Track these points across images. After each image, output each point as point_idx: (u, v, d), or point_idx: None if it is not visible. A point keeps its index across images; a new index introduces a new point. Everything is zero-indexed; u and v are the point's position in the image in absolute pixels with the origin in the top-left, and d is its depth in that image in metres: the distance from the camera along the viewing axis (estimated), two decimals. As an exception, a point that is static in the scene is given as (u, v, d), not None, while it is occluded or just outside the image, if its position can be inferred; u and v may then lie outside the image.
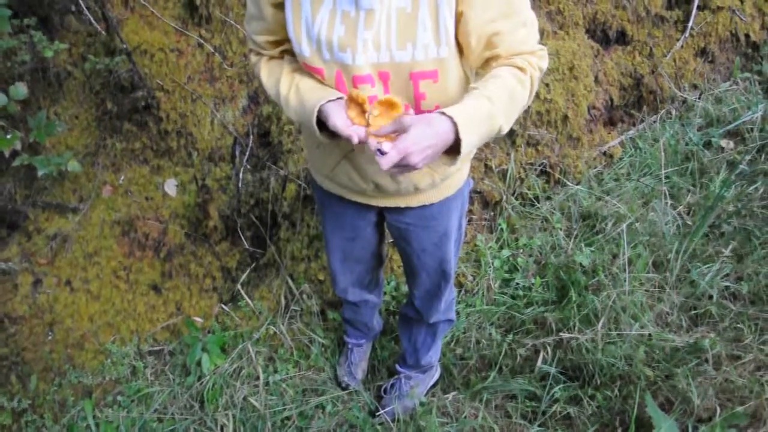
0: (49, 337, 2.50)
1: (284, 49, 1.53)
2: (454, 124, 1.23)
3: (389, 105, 1.30)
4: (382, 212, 1.82)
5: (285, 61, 1.53)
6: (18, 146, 2.38)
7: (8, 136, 2.35)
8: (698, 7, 3.62)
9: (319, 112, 1.36)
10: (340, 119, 1.31)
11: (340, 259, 2.03)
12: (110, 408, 2.46)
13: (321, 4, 1.33)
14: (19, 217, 2.59)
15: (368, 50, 1.33)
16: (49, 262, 2.60)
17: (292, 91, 1.45)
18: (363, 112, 1.32)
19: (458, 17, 1.33)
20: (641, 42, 3.58)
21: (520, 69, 1.36)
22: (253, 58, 1.60)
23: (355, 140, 1.28)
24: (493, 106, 1.29)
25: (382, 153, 1.21)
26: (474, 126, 1.26)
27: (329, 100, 1.36)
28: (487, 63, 1.40)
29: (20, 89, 2.36)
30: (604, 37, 3.56)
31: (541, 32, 3.24)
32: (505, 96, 1.32)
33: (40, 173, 2.43)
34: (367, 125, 1.31)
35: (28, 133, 2.44)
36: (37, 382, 2.43)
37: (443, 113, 1.24)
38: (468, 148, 1.25)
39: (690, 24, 3.61)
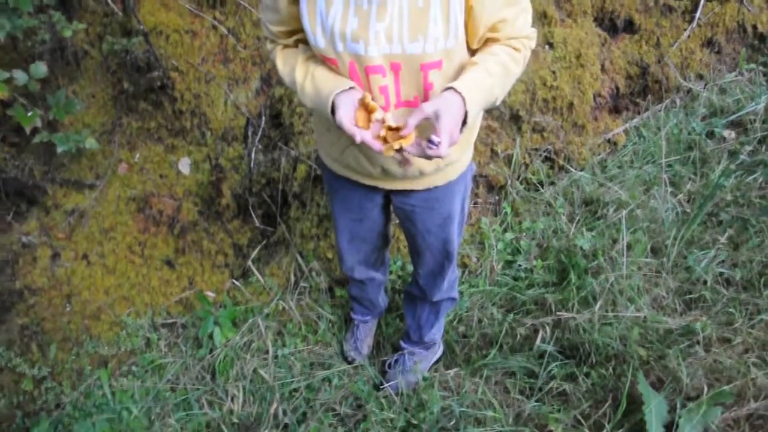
0: (67, 309, 2.60)
1: (298, 38, 1.58)
2: (463, 99, 1.38)
3: (396, 131, 1.39)
4: (388, 195, 1.89)
5: (299, 49, 1.58)
6: (38, 123, 2.45)
7: (29, 114, 2.42)
8: (706, -2, 3.66)
9: (332, 102, 1.43)
10: (346, 116, 1.39)
11: (347, 239, 2.11)
12: (125, 377, 2.55)
13: None
14: (39, 192, 2.67)
15: (380, 42, 1.39)
16: (66, 236, 2.68)
17: (308, 80, 1.51)
18: (370, 117, 1.41)
19: (468, 11, 1.41)
20: (648, 31, 3.61)
21: (515, 49, 1.51)
22: (268, 45, 1.66)
23: (357, 139, 1.37)
24: (492, 79, 1.45)
25: (436, 144, 1.34)
26: (478, 98, 1.43)
27: (342, 90, 1.43)
28: (485, 43, 1.52)
29: (40, 68, 2.42)
30: (612, 25, 3.60)
31: (550, 20, 3.29)
32: (502, 71, 1.48)
33: (59, 150, 2.50)
34: (368, 127, 1.40)
35: (47, 110, 2.50)
36: (56, 351, 2.53)
37: (453, 89, 1.38)
38: (472, 119, 1.43)
39: (698, 14, 3.64)
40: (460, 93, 1.39)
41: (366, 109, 1.42)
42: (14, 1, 2.18)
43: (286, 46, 1.61)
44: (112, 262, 2.68)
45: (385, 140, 1.39)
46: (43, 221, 2.68)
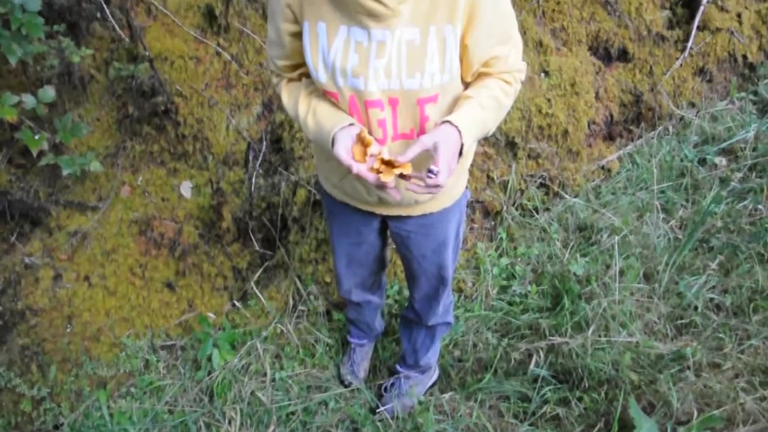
0: (68, 330, 2.63)
1: (302, 72, 1.65)
2: (459, 132, 1.47)
3: (390, 164, 1.45)
4: (385, 220, 1.94)
5: (303, 83, 1.65)
6: (45, 146, 2.49)
7: (36, 137, 2.46)
8: (698, 28, 3.74)
9: (333, 137, 1.51)
10: (343, 150, 1.46)
11: (345, 263, 2.16)
12: (123, 399, 2.57)
13: (336, 35, 1.45)
14: (42, 214, 2.70)
15: (379, 78, 1.46)
16: (69, 257, 2.72)
17: (310, 115, 1.58)
18: (365, 151, 1.47)
19: (463, 48, 1.49)
20: (642, 60, 3.70)
21: (506, 82, 1.59)
22: (274, 79, 1.73)
23: (354, 171, 1.44)
24: (485, 113, 1.54)
25: (435, 173, 1.40)
26: (473, 131, 1.51)
27: (342, 127, 1.50)
28: (478, 76, 1.59)
29: (48, 92, 2.47)
30: (606, 54, 3.68)
31: (545, 48, 3.37)
32: (494, 104, 1.56)
33: (64, 173, 2.54)
34: (364, 160, 1.46)
35: (54, 134, 2.55)
36: (56, 372, 2.55)
37: (450, 122, 1.47)
38: (467, 149, 1.51)
39: (690, 44, 3.73)
40: (456, 126, 1.46)
41: (362, 143, 1.48)
42: (26, 27, 2.24)
43: (290, 80, 1.68)
44: (113, 283, 2.71)
45: (378, 172, 1.45)
46: (46, 242, 2.72)
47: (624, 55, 3.70)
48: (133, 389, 2.60)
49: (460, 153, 1.49)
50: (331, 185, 1.87)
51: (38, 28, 2.29)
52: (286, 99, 1.68)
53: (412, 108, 1.51)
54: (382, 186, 1.46)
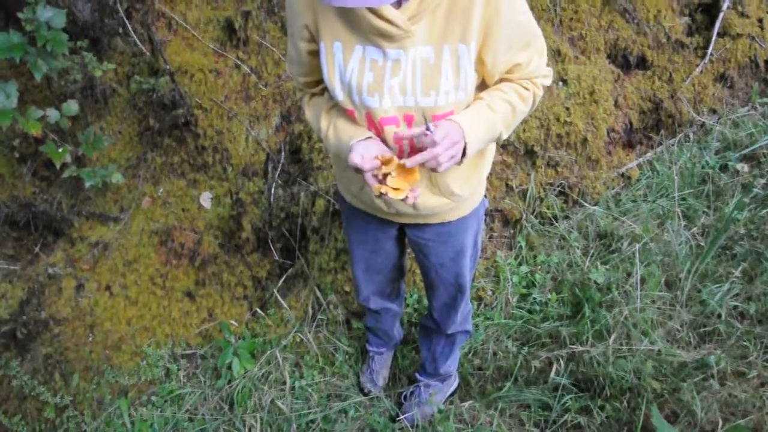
0: (90, 339, 2.66)
1: (323, 87, 1.67)
2: (462, 128, 1.46)
3: (407, 171, 1.48)
4: (403, 227, 1.95)
5: (324, 98, 1.68)
6: (68, 159, 2.54)
7: (60, 150, 2.51)
8: (718, 34, 3.71)
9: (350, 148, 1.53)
10: (357, 156, 1.47)
11: (363, 270, 2.16)
12: (144, 407, 2.60)
13: (352, 54, 1.47)
14: (65, 225, 2.75)
15: (394, 95, 1.48)
16: (90, 268, 2.76)
17: (331, 129, 1.62)
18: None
19: (479, 64, 1.49)
20: (661, 67, 3.67)
21: (524, 87, 1.57)
22: (299, 94, 1.78)
23: (364, 169, 1.47)
24: (494, 115, 1.52)
25: (431, 131, 1.42)
26: (477, 132, 1.49)
27: (360, 140, 1.52)
28: (499, 80, 1.59)
29: (72, 106, 2.52)
30: (625, 62, 3.66)
31: (563, 57, 3.36)
32: (507, 108, 1.54)
33: (86, 185, 2.58)
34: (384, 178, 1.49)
35: (77, 146, 2.60)
36: (78, 380, 2.58)
37: (452, 120, 1.48)
38: (472, 150, 1.49)
39: (710, 50, 3.70)
40: (458, 123, 1.47)
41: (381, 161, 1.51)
42: (51, 44, 2.29)
43: (313, 95, 1.72)
44: (135, 293, 2.74)
45: (380, 181, 1.49)
46: (68, 253, 2.76)
47: (643, 63, 3.69)
48: (154, 397, 2.62)
49: (464, 154, 1.48)
50: (351, 195, 1.89)
51: (63, 44, 2.34)
52: (309, 114, 1.72)
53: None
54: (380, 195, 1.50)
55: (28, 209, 2.64)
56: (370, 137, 1.54)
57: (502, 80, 1.58)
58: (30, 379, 2.52)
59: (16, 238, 2.69)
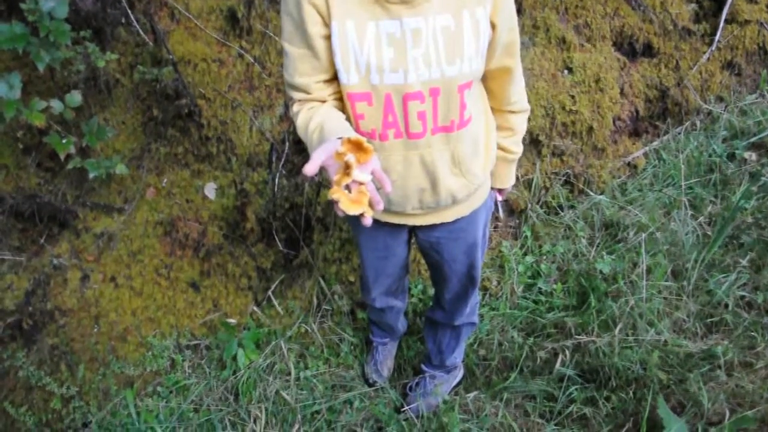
0: (95, 330, 2.66)
1: (333, 91, 1.56)
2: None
3: (358, 147, 1.24)
4: (412, 230, 1.94)
5: (324, 105, 1.53)
6: (72, 150, 2.53)
7: (64, 141, 2.50)
8: (726, 21, 3.68)
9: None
10: (323, 151, 1.24)
11: (373, 276, 2.15)
12: (150, 398, 2.61)
13: (365, 31, 1.41)
14: (70, 216, 2.74)
15: (419, 68, 1.44)
16: (95, 259, 2.76)
17: (317, 131, 1.44)
18: (347, 172, 1.22)
19: (492, 28, 1.49)
20: (667, 55, 3.64)
21: (527, 110, 1.82)
22: (295, 108, 1.58)
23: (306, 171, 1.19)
24: (517, 156, 1.91)
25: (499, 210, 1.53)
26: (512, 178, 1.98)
27: (341, 137, 1.29)
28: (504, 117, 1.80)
29: (75, 97, 2.51)
30: (631, 49, 3.63)
31: (569, 45, 3.33)
32: (520, 142, 1.88)
33: (90, 175, 2.58)
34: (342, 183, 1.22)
35: (80, 137, 2.59)
36: (84, 371, 2.59)
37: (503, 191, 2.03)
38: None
39: (717, 37, 3.66)
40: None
41: (357, 147, 1.24)
42: (54, 34, 2.27)
43: (311, 107, 1.54)
44: (139, 284, 2.74)
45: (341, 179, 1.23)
46: (73, 244, 2.76)
47: (649, 50, 3.65)
48: (159, 388, 2.63)
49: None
50: None
51: (65, 34, 2.32)
52: (302, 116, 1.53)
53: (453, 96, 1.50)
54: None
55: (32, 200, 2.63)
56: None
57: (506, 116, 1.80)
58: (36, 370, 2.53)
59: (21, 230, 2.68)
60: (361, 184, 1.22)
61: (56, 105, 2.45)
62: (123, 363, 2.63)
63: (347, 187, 1.21)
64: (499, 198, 2.07)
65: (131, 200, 2.84)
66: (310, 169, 1.18)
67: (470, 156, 1.66)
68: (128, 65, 2.83)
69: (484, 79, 1.69)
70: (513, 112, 1.78)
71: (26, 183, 2.67)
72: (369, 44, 1.43)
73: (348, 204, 1.19)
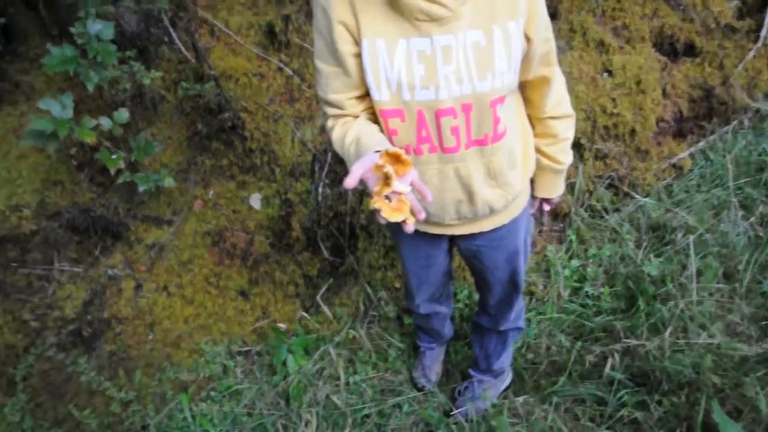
0: (150, 337, 2.74)
1: (366, 107, 1.57)
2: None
3: (397, 159, 1.25)
4: (452, 238, 1.94)
5: (358, 120, 1.55)
6: (122, 165, 2.62)
7: (114, 156, 2.58)
8: (771, 17, 3.61)
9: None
10: (361, 165, 1.28)
11: (416, 284, 2.16)
12: (204, 402, 2.66)
13: (395, 48, 1.41)
14: (122, 228, 2.83)
15: (450, 84, 1.43)
16: (148, 269, 2.83)
17: (353, 145, 1.47)
18: (388, 182, 1.23)
19: (526, 40, 1.49)
20: (711, 53, 3.58)
21: (570, 116, 1.79)
22: (329, 123, 1.60)
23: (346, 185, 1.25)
24: (564, 167, 1.87)
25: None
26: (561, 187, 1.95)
27: (378, 150, 1.32)
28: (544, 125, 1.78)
29: (123, 114, 2.58)
30: (672, 50, 3.58)
31: (607, 47, 3.31)
32: (568, 151, 1.84)
33: (140, 189, 2.65)
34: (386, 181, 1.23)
35: (129, 153, 2.67)
36: (141, 376, 2.66)
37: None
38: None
39: (763, 33, 3.58)
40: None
41: (396, 159, 1.25)
42: (101, 55, 2.36)
43: (346, 122, 1.57)
44: (191, 292, 2.81)
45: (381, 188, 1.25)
46: (126, 255, 2.84)
47: (691, 50, 3.59)
48: (213, 393, 2.69)
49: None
50: None
51: (112, 55, 2.42)
52: (337, 131, 1.56)
53: (486, 111, 1.49)
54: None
55: (87, 214, 2.72)
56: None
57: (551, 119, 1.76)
58: (96, 375, 2.62)
59: (77, 242, 2.78)
60: (400, 194, 1.24)
61: (105, 122, 2.53)
62: (177, 368, 2.70)
63: (387, 197, 1.24)
64: (546, 208, 2.02)
65: (179, 212, 2.91)
66: (350, 182, 1.24)
67: (506, 167, 1.65)
68: (172, 82, 2.91)
69: (523, 89, 1.69)
70: (554, 117, 1.74)
71: (80, 198, 2.76)
72: (399, 62, 1.42)
73: (390, 212, 1.22)
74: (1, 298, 2.67)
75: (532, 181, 1.92)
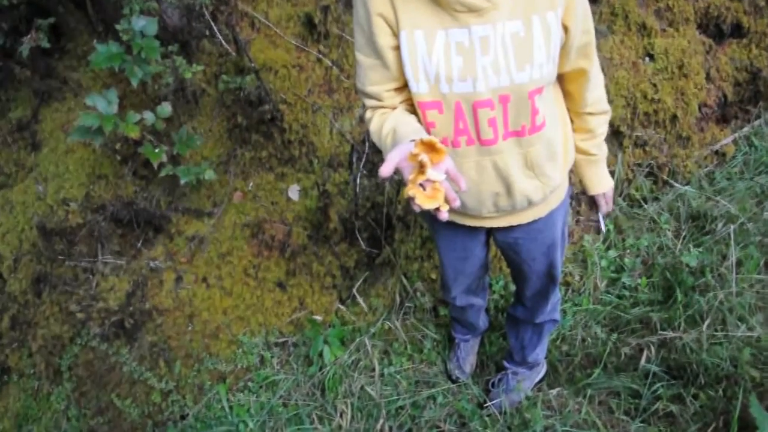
0: (189, 328, 2.82)
1: (405, 98, 1.58)
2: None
3: (431, 147, 1.26)
4: (490, 230, 1.95)
5: (396, 111, 1.57)
6: (164, 158, 2.68)
7: (156, 150, 2.65)
8: (824, -7, 3.47)
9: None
10: (397, 152, 1.30)
11: (452, 276, 2.18)
12: (242, 393, 2.74)
13: (434, 40, 1.42)
14: (164, 221, 2.91)
15: (488, 76, 1.44)
16: (188, 261, 2.91)
17: (390, 135, 1.49)
18: (422, 170, 1.25)
19: (564, 30, 1.48)
20: (759, 33, 3.46)
21: (607, 112, 1.79)
22: (368, 114, 1.63)
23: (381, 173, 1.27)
24: (599, 157, 1.88)
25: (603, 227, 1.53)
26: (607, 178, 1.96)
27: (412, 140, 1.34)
28: (582, 119, 1.78)
29: (165, 108, 2.65)
30: (718, 31, 3.48)
31: (649, 30, 3.23)
32: (602, 144, 1.86)
33: (182, 182, 2.72)
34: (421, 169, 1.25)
35: (171, 146, 2.73)
36: (180, 367, 2.75)
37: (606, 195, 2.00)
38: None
39: (814, 12, 3.46)
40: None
41: (431, 148, 1.27)
42: (145, 51, 2.42)
43: (384, 113, 1.59)
44: (229, 284, 2.87)
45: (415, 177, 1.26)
46: (167, 247, 2.92)
47: (738, 31, 3.48)
48: (250, 383, 2.76)
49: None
50: None
51: (155, 50, 2.47)
52: (375, 122, 1.58)
53: (524, 102, 1.49)
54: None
55: (130, 207, 2.81)
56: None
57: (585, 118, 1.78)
58: (138, 365, 2.71)
59: (120, 235, 2.87)
60: (435, 182, 1.25)
61: (149, 117, 2.60)
62: (215, 359, 2.78)
63: (422, 186, 1.25)
64: (602, 210, 2.03)
65: (220, 204, 2.98)
66: (385, 170, 1.26)
67: (545, 159, 1.65)
68: (213, 75, 2.96)
69: (560, 81, 1.68)
70: (591, 114, 1.75)
71: (124, 191, 2.85)
72: (438, 53, 1.43)
73: (424, 199, 1.24)
74: (49, 289, 2.78)
75: (581, 182, 1.95)
